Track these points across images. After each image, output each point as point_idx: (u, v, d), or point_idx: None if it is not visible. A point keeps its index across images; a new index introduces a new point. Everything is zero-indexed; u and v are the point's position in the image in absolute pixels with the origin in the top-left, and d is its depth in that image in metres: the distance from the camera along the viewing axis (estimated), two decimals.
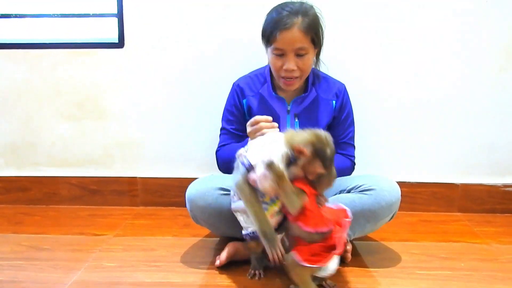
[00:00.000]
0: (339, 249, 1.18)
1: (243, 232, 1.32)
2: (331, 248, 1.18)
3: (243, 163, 1.23)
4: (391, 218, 1.50)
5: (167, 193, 1.99)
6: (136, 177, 1.99)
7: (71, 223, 1.83)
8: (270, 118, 1.38)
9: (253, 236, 1.28)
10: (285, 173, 1.18)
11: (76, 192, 2.01)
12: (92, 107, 1.96)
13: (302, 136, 1.22)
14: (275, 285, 1.32)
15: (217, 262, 1.43)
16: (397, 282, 1.36)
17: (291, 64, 1.45)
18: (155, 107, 1.95)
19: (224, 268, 1.43)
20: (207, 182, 1.46)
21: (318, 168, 1.20)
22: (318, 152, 1.19)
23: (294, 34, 1.42)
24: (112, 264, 1.47)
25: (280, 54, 1.45)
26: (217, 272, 1.42)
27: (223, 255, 1.43)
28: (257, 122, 1.37)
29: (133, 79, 1.93)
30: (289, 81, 1.49)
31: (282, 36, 1.42)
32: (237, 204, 1.31)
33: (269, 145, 1.23)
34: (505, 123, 1.90)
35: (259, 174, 1.18)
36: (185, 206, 1.48)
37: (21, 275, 1.40)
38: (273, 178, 1.16)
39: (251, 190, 1.23)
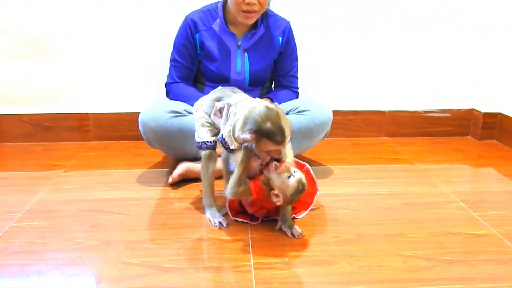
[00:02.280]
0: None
1: (197, 140, 1.35)
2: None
3: (224, 143, 1.25)
4: (324, 136, 1.70)
5: (119, 127, 2.09)
6: (87, 113, 2.07)
7: (27, 157, 1.90)
8: None
9: (201, 147, 1.35)
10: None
11: (28, 129, 2.06)
12: (41, 45, 1.98)
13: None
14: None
15: (170, 180, 1.58)
16: (329, 188, 1.57)
17: None
18: (103, 42, 2.00)
19: (177, 185, 1.59)
20: (158, 106, 1.58)
21: (271, 146, 1.15)
22: (258, 133, 1.14)
23: None
24: (72, 186, 1.58)
25: None
26: (170, 188, 1.57)
27: (175, 173, 1.58)
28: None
29: (81, 15, 1.96)
30: (248, 14, 1.59)
31: None
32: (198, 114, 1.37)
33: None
34: (425, 60, 2.12)
35: None
36: (137, 139, 1.59)
37: None
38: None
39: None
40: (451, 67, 2.13)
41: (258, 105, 1.17)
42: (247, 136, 1.14)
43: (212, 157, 1.32)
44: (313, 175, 1.38)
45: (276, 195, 1.16)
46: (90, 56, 2.01)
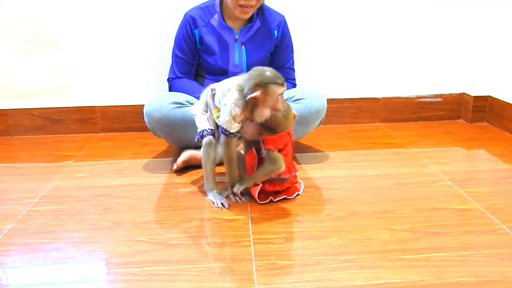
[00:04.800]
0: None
1: (198, 131, 1.46)
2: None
3: (224, 131, 1.36)
4: (320, 123, 1.79)
5: (124, 119, 2.18)
6: (95, 106, 2.16)
7: (38, 149, 2.00)
8: None
9: (203, 135, 1.45)
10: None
11: (39, 122, 2.16)
12: (48, 40, 2.07)
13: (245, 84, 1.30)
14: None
15: (174, 167, 1.68)
16: (324, 172, 1.66)
17: None
18: (109, 38, 2.09)
19: (181, 171, 1.69)
20: (162, 98, 1.67)
21: (278, 89, 1.27)
22: (264, 83, 1.26)
23: None
24: (83, 174, 1.68)
25: None
26: (175, 174, 1.67)
27: (179, 160, 1.68)
28: None
29: (87, 10, 2.05)
30: (245, 9, 1.67)
31: None
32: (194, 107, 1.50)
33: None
34: (415, 47, 2.19)
35: None
36: (143, 131, 1.68)
37: (2, 186, 1.59)
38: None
39: (229, 150, 1.41)
40: (441, 53, 2.21)
41: (240, 76, 1.34)
42: (255, 93, 1.26)
43: (212, 144, 1.41)
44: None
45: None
46: (97, 51, 2.10)
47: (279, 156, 1.36)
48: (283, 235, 1.22)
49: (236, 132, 1.35)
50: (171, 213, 1.36)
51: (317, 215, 1.33)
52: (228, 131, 1.34)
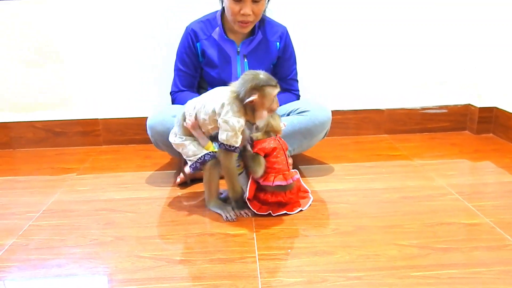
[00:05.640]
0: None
1: (189, 162, 1.44)
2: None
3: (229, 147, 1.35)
4: (325, 135, 1.77)
5: (127, 131, 2.17)
6: (97, 118, 2.15)
7: (41, 161, 1.99)
8: None
9: (205, 160, 1.42)
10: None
11: (41, 135, 2.15)
12: (51, 53, 2.07)
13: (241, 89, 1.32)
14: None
15: (178, 180, 1.66)
16: (329, 185, 1.64)
17: (247, 9, 1.61)
18: (111, 51, 2.09)
19: (184, 184, 1.67)
20: (165, 111, 1.66)
21: (273, 91, 1.32)
22: (259, 86, 1.30)
23: None
24: (85, 188, 1.67)
25: (238, 0, 1.62)
26: (178, 188, 1.65)
27: (182, 174, 1.66)
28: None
29: (90, 23, 2.05)
30: (244, 25, 1.66)
31: None
32: (177, 140, 1.45)
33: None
34: (421, 57, 2.18)
35: None
36: (145, 143, 1.67)
37: (3, 200, 1.58)
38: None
39: (230, 164, 1.38)
40: (447, 63, 2.20)
41: (232, 84, 1.36)
42: (252, 97, 1.28)
43: (217, 165, 1.40)
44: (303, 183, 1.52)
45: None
46: (99, 64, 2.10)
47: (261, 162, 1.37)
48: (289, 250, 1.20)
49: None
50: (174, 228, 1.34)
51: (323, 229, 1.31)
52: (233, 146, 1.33)
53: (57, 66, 2.08)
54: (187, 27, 1.79)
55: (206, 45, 1.76)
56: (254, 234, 1.29)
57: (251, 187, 1.39)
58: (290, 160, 1.72)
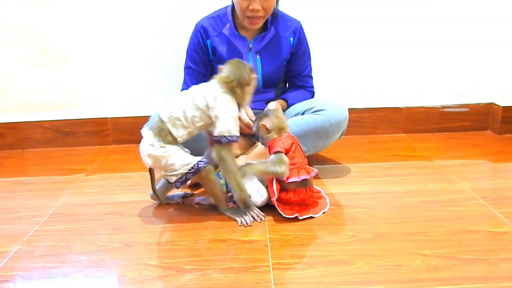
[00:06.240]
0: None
1: (173, 178, 1.33)
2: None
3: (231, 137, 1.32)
4: (341, 135, 1.70)
5: (136, 131, 2.06)
6: (106, 118, 2.11)
7: (49, 162, 1.95)
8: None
9: (199, 168, 1.32)
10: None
11: (50, 135, 2.11)
12: (59, 53, 2.03)
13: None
14: None
15: (188, 182, 1.60)
16: (346, 187, 1.57)
17: (256, 4, 1.55)
18: (119, 50, 2.04)
19: (195, 186, 1.61)
20: None
21: (254, 74, 1.41)
22: (252, 69, 1.40)
23: None
24: (93, 190, 1.62)
25: None
26: (189, 190, 1.59)
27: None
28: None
29: (98, 23, 2.00)
30: (253, 20, 1.60)
31: None
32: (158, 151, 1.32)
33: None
34: (440, 54, 2.10)
35: None
36: None
37: (11, 204, 1.54)
38: None
39: (233, 160, 1.34)
40: (469, 60, 2.11)
41: (216, 77, 1.40)
42: (253, 75, 1.38)
43: (212, 170, 1.35)
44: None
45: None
46: (107, 63, 2.05)
47: (285, 161, 1.34)
48: (305, 259, 1.13)
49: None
50: (185, 233, 1.28)
51: (340, 236, 1.24)
52: (235, 135, 1.32)
53: (65, 65, 2.04)
54: (196, 24, 1.73)
55: (216, 42, 1.70)
56: (268, 240, 1.22)
57: (276, 188, 1.33)
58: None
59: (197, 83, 1.75)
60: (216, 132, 1.31)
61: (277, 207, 1.34)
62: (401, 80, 2.13)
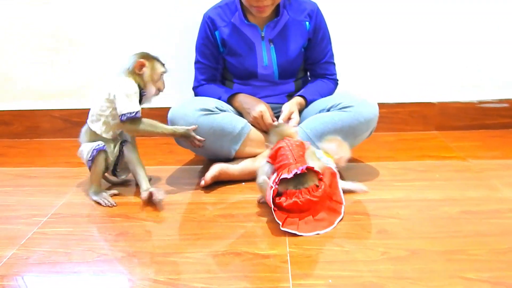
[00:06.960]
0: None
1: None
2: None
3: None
4: (370, 134, 1.55)
5: None
6: None
7: (56, 154, 1.85)
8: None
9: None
10: None
11: (58, 124, 2.01)
12: (67, 39, 1.93)
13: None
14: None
15: (202, 182, 1.47)
16: (376, 193, 1.42)
17: None
18: (131, 38, 1.93)
19: (209, 187, 1.48)
20: (187, 104, 1.48)
21: (159, 72, 1.44)
22: (148, 56, 1.43)
23: None
24: None
25: None
26: (202, 191, 1.47)
27: (208, 175, 1.47)
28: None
29: (108, 10, 1.89)
30: (260, 9, 1.46)
31: None
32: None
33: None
34: (476, 45, 1.92)
35: None
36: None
37: (11, 200, 1.44)
38: None
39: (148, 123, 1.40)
40: (506, 52, 1.92)
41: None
42: (141, 60, 1.40)
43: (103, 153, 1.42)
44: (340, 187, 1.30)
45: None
46: (119, 52, 1.93)
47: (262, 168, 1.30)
48: (330, 281, 0.99)
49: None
50: (196, 243, 1.15)
51: (370, 253, 1.10)
52: (136, 111, 1.33)
53: (76, 53, 1.96)
54: (204, 15, 1.60)
55: (226, 33, 1.56)
56: (288, 255, 1.09)
57: (272, 194, 1.20)
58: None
59: (208, 78, 1.62)
60: (118, 112, 1.35)
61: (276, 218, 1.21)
62: (434, 74, 1.96)
